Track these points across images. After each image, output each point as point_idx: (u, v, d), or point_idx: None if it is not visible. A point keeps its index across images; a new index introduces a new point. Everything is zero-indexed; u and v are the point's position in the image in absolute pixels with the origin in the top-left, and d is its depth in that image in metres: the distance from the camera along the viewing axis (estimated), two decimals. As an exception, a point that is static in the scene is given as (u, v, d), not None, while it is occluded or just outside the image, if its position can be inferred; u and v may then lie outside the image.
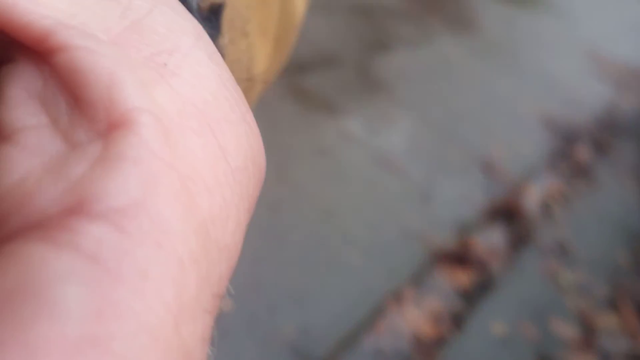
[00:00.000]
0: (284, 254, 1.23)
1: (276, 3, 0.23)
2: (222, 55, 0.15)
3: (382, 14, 2.21)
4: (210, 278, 0.11)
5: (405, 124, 1.75)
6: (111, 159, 0.10)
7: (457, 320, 1.28)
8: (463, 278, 1.36)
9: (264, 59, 0.22)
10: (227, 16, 0.18)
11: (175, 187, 0.10)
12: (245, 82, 0.20)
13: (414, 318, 1.22)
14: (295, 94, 1.65)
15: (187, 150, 0.11)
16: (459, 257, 1.40)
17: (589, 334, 1.39)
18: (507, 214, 1.60)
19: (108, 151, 0.10)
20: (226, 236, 0.12)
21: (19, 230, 0.10)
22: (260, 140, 0.14)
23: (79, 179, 0.10)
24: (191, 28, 0.13)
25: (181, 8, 0.14)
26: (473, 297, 1.34)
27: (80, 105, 0.11)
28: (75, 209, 0.10)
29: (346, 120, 1.66)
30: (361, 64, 1.92)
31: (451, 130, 1.81)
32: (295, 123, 1.58)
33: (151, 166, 0.10)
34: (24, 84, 0.11)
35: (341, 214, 1.37)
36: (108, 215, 0.10)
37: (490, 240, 1.49)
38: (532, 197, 1.70)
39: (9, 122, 0.11)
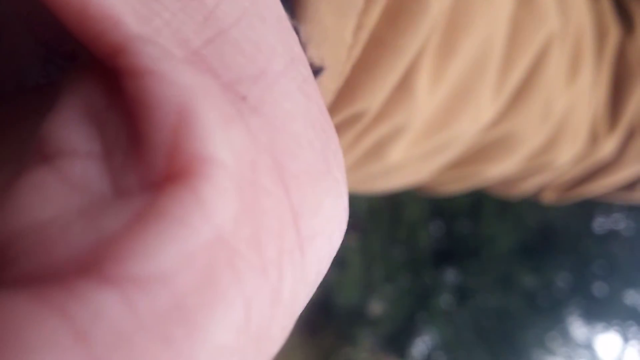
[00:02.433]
0: None
1: None
2: None
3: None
4: None
5: None
6: (155, 216, 0.08)
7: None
8: None
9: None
10: (322, 82, 0.16)
11: (219, 267, 0.08)
12: None
13: None
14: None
15: (250, 218, 0.09)
16: None
17: None
18: None
19: (155, 206, 0.08)
20: (273, 330, 0.09)
21: (21, 278, 0.08)
22: (345, 200, 0.11)
23: (112, 236, 0.08)
24: (282, 48, 0.10)
25: (274, 20, 0.11)
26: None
27: (141, 144, 0.09)
28: (90, 270, 0.08)
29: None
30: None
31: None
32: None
33: (199, 236, 0.08)
34: (86, 97, 0.09)
35: None
36: (121, 283, 0.08)
37: None
38: None
39: (55, 138, 0.09)
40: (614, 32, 0.31)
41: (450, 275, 2.14)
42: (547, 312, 2.06)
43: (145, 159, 0.08)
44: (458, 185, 0.33)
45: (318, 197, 0.10)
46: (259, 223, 0.09)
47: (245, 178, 0.09)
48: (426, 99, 0.21)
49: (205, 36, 0.09)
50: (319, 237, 0.10)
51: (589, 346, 2.03)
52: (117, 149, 0.09)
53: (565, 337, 2.07)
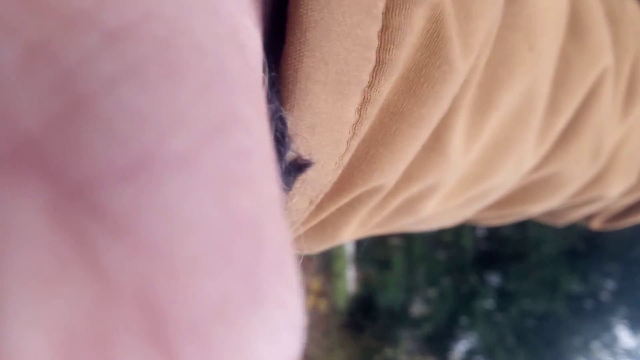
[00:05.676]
0: None
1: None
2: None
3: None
4: None
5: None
6: None
7: None
8: None
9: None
10: (307, 178, 0.13)
11: None
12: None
13: None
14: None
15: None
16: None
17: None
18: None
19: None
20: None
21: None
22: (294, 320, 0.08)
23: None
24: (200, 112, 0.07)
25: (202, 69, 0.07)
26: None
27: None
28: None
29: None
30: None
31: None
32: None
33: None
34: None
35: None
36: None
37: None
38: None
39: None
40: None
41: (494, 279, 2.12)
42: (593, 319, 2.02)
43: None
44: (500, 221, 0.32)
45: (235, 345, 0.07)
46: None
47: None
48: (461, 157, 0.19)
49: (52, 112, 0.06)
50: None
51: (636, 355, 1.99)
52: None
53: (612, 345, 2.03)
